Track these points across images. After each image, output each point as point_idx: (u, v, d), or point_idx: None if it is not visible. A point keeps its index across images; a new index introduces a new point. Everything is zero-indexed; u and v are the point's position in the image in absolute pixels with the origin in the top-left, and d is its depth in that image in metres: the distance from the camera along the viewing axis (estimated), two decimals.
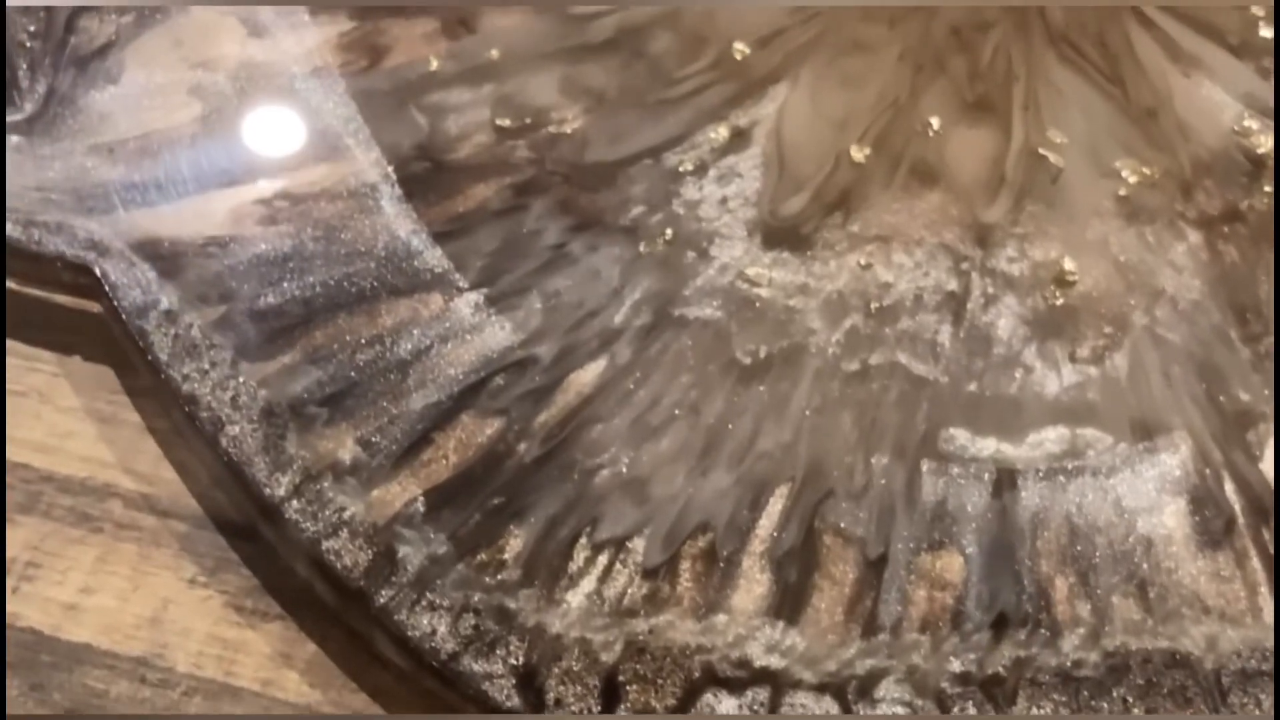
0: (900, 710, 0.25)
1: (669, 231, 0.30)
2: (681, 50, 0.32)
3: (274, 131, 0.30)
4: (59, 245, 0.29)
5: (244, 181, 0.30)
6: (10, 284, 0.29)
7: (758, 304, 0.29)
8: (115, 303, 0.28)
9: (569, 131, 0.31)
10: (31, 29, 0.31)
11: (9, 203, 0.29)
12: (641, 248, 0.30)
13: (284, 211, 0.29)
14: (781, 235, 0.30)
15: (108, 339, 0.29)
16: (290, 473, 0.27)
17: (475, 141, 0.31)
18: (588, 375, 0.29)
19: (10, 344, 0.29)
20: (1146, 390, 0.29)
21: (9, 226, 0.29)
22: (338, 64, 0.31)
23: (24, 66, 0.30)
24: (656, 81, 0.31)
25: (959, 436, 0.28)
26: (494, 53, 0.31)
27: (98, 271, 0.28)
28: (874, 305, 0.29)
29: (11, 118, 0.30)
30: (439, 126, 0.31)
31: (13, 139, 0.30)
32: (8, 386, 0.29)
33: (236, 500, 0.28)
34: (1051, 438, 0.28)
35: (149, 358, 0.28)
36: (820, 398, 0.29)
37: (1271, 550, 0.27)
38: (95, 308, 0.29)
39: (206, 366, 0.28)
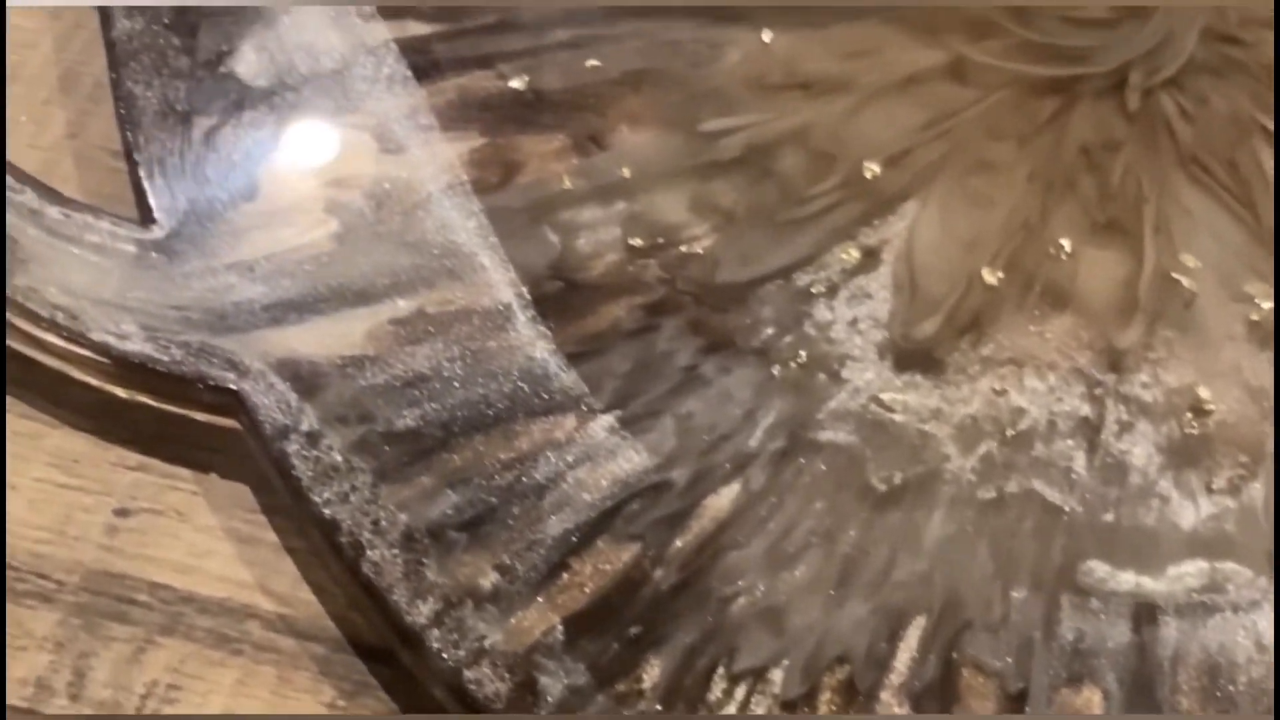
0: None
1: (802, 354, 0.30)
2: (810, 168, 0.32)
3: (409, 249, 0.31)
4: (199, 366, 0.29)
5: (380, 300, 0.30)
6: (148, 400, 0.30)
7: (891, 428, 0.29)
8: (256, 424, 0.29)
9: (699, 251, 0.31)
10: (169, 145, 0.31)
11: (149, 321, 0.29)
12: (775, 371, 0.30)
13: (420, 331, 0.30)
14: (913, 358, 0.30)
15: (245, 456, 0.29)
16: (431, 600, 0.27)
17: (606, 260, 0.31)
18: (722, 500, 0.29)
19: (148, 461, 0.30)
20: None
21: (149, 346, 0.29)
22: (470, 180, 0.31)
23: (162, 184, 0.31)
24: (786, 200, 0.32)
25: (1098, 569, 0.28)
26: (625, 171, 0.32)
27: (238, 392, 0.29)
28: (1008, 431, 0.29)
29: (150, 235, 0.30)
30: (571, 245, 0.31)
31: (152, 256, 0.30)
32: (148, 505, 0.29)
33: (375, 624, 0.28)
34: (1191, 571, 0.28)
35: (290, 480, 0.28)
36: (956, 526, 0.29)
37: None
38: (233, 423, 0.30)
39: (347, 490, 0.28)
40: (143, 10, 0.32)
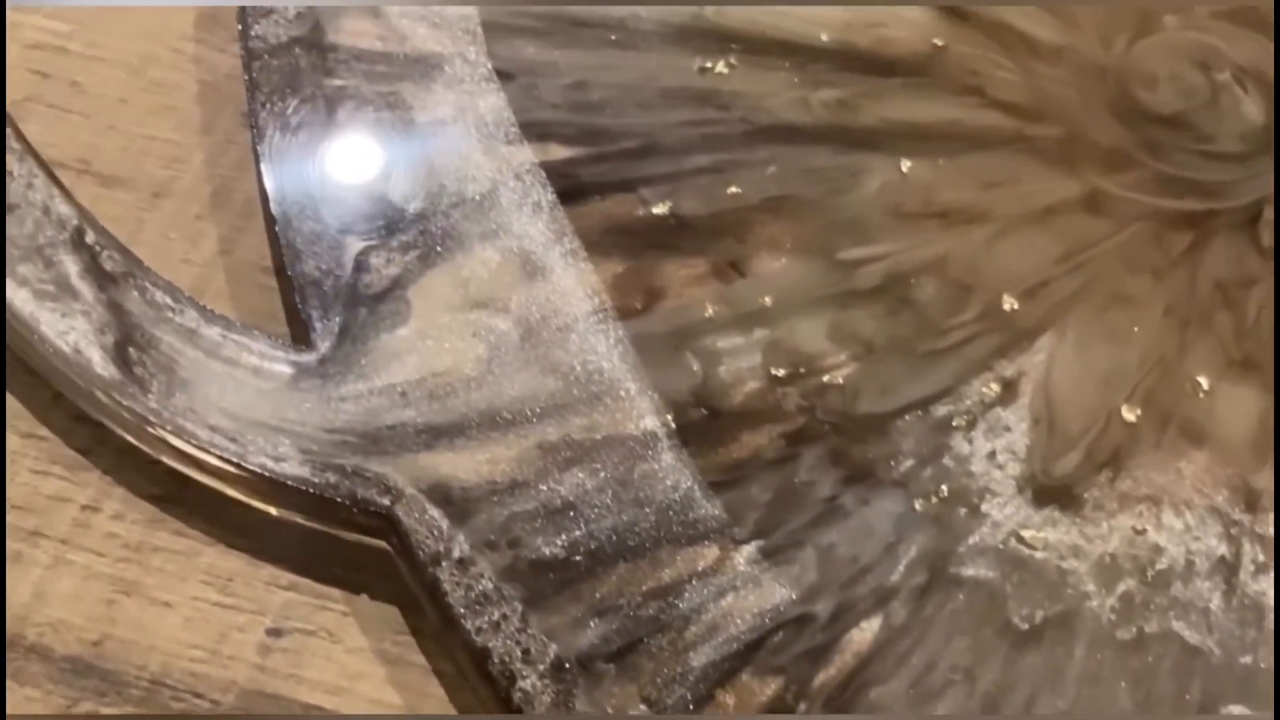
0: None
1: (944, 489, 0.30)
2: (948, 299, 0.32)
3: (555, 374, 0.31)
4: (354, 490, 0.30)
5: (528, 425, 0.31)
6: (300, 519, 0.30)
7: (1031, 565, 0.30)
8: (409, 549, 0.29)
9: (840, 381, 0.31)
10: (322, 267, 0.32)
11: (305, 443, 0.30)
12: (917, 505, 0.30)
13: (567, 458, 0.30)
14: (1052, 493, 0.30)
15: (395, 578, 0.30)
16: None
17: (747, 388, 0.31)
18: (864, 635, 0.29)
19: (300, 580, 0.30)
20: None
21: (305, 469, 0.30)
22: (614, 305, 0.32)
23: (317, 305, 0.32)
24: (924, 331, 0.32)
25: (1237, 712, 0.28)
26: (766, 299, 0.32)
27: (391, 516, 0.30)
28: (1148, 571, 0.30)
29: (305, 358, 0.31)
30: (712, 372, 0.32)
31: (307, 379, 0.31)
32: (300, 625, 0.30)
33: None
34: None
35: (442, 608, 0.29)
36: (1096, 666, 0.29)
37: None
38: (382, 544, 0.30)
39: (499, 618, 0.29)
40: (298, 131, 0.33)
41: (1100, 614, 0.29)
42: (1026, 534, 0.30)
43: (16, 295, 0.31)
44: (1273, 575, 0.30)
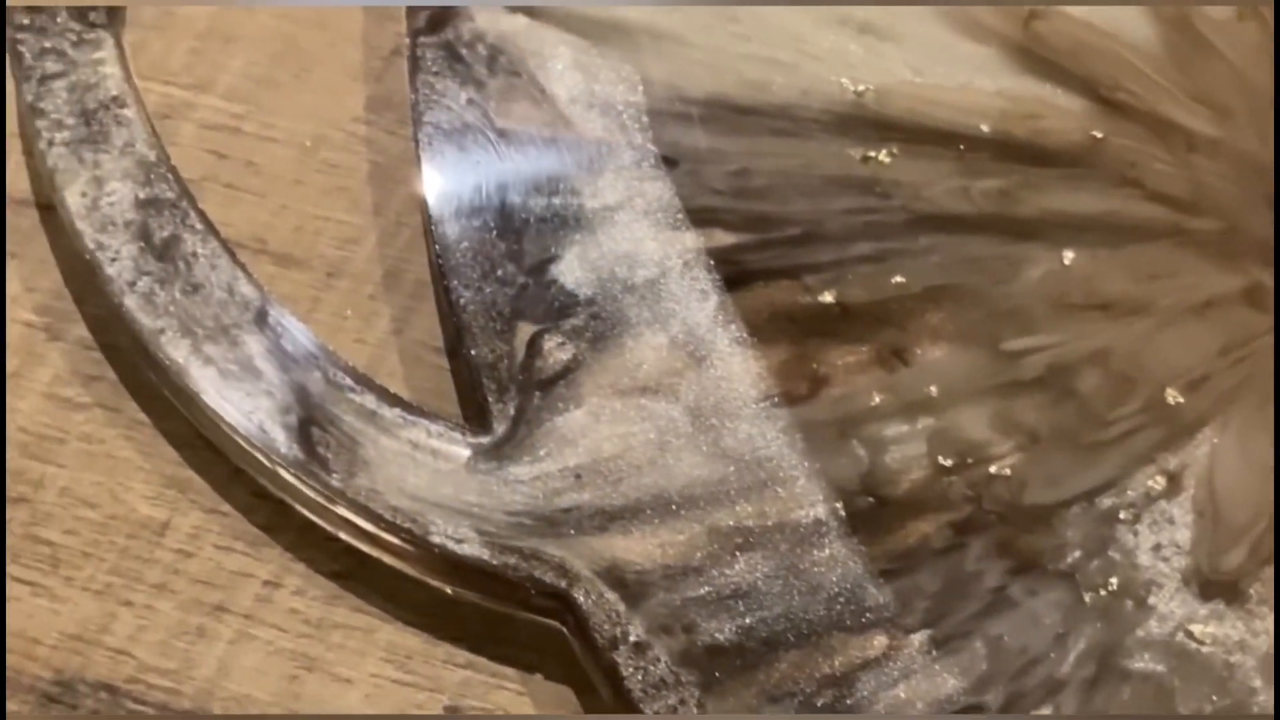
0: None
1: (1112, 581, 0.31)
2: (1111, 390, 0.33)
3: (724, 459, 0.32)
4: (531, 572, 0.30)
5: (698, 510, 0.31)
6: (478, 599, 0.31)
7: (1198, 659, 0.30)
8: (585, 632, 0.30)
9: (1007, 472, 0.32)
10: (496, 350, 0.33)
11: (483, 525, 0.31)
12: (1086, 597, 0.31)
13: (737, 543, 0.31)
14: (1217, 587, 0.31)
15: (569, 658, 0.30)
16: None
17: (913, 477, 0.32)
18: None
19: (476, 659, 0.31)
20: None
21: (485, 551, 0.30)
22: (780, 392, 0.33)
23: (492, 389, 0.32)
24: (1087, 422, 0.32)
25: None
26: (932, 388, 0.33)
27: (567, 598, 0.30)
28: None
29: (483, 440, 0.32)
30: (879, 460, 0.32)
31: (485, 461, 0.32)
32: (476, 703, 0.31)
33: None
34: None
35: (621, 692, 0.29)
36: None
37: None
38: (556, 624, 0.31)
39: (675, 703, 0.29)
40: (470, 216, 0.34)
41: (1268, 709, 0.30)
42: (1194, 628, 0.31)
43: (203, 374, 0.32)
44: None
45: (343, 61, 0.37)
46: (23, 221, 0.34)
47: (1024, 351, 0.33)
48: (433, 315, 0.34)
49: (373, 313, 0.34)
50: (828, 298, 0.34)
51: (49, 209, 0.34)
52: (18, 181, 0.35)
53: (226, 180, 0.35)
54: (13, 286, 0.34)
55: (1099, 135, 0.35)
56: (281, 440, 0.32)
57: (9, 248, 0.34)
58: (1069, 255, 0.34)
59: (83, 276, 0.33)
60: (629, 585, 0.31)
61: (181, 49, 0.36)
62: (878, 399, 0.33)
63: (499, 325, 0.33)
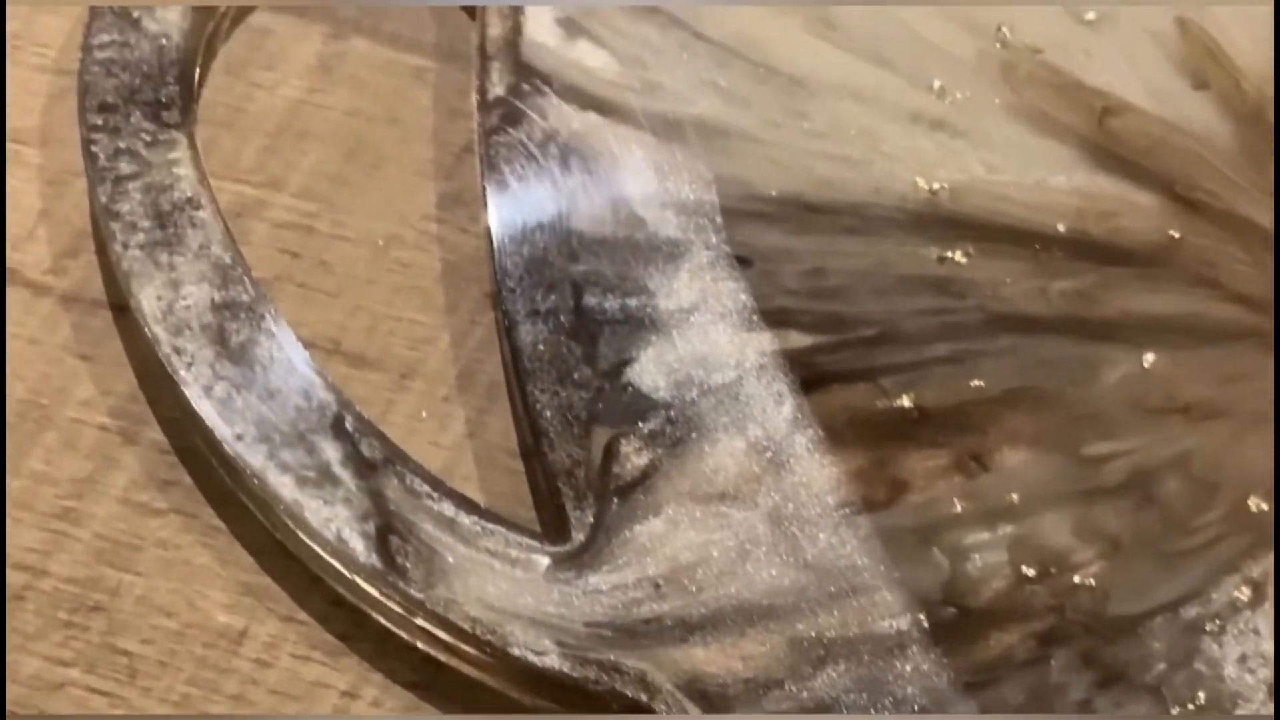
0: None
1: (1199, 695, 0.30)
2: (1193, 497, 0.32)
3: (804, 568, 0.32)
4: (612, 684, 0.30)
5: (779, 620, 0.31)
6: (557, 710, 0.31)
7: None
8: None
9: (1090, 582, 0.32)
10: (573, 455, 0.32)
11: (563, 636, 0.30)
12: (1174, 711, 0.30)
13: (819, 655, 0.31)
14: None
15: None
16: None
17: (996, 586, 0.32)
18: None
19: None
20: None
21: (565, 663, 0.30)
22: (860, 498, 0.32)
23: (570, 496, 0.32)
24: (1171, 530, 0.32)
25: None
26: (1013, 495, 0.32)
27: (649, 710, 0.30)
28: None
29: (562, 549, 0.32)
30: (961, 569, 0.32)
31: (564, 570, 0.31)
32: None
33: None
34: None
35: None
36: None
37: None
38: None
39: None
40: (545, 317, 0.34)
41: None
42: None
43: (280, 481, 0.32)
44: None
45: (414, 158, 0.37)
46: (96, 323, 0.34)
47: (1105, 457, 0.33)
48: (507, 417, 0.34)
49: (447, 415, 0.34)
50: (905, 401, 0.33)
51: (122, 309, 0.34)
52: (91, 282, 0.35)
53: (300, 280, 0.35)
54: (87, 389, 0.34)
55: (1176, 234, 0.35)
56: (360, 549, 0.31)
57: (83, 350, 0.34)
58: (1148, 357, 0.34)
59: (157, 378, 0.33)
60: (710, 698, 0.30)
61: (253, 146, 0.36)
62: (958, 506, 0.32)
63: (576, 430, 0.33)
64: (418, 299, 0.35)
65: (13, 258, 0.35)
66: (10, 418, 0.33)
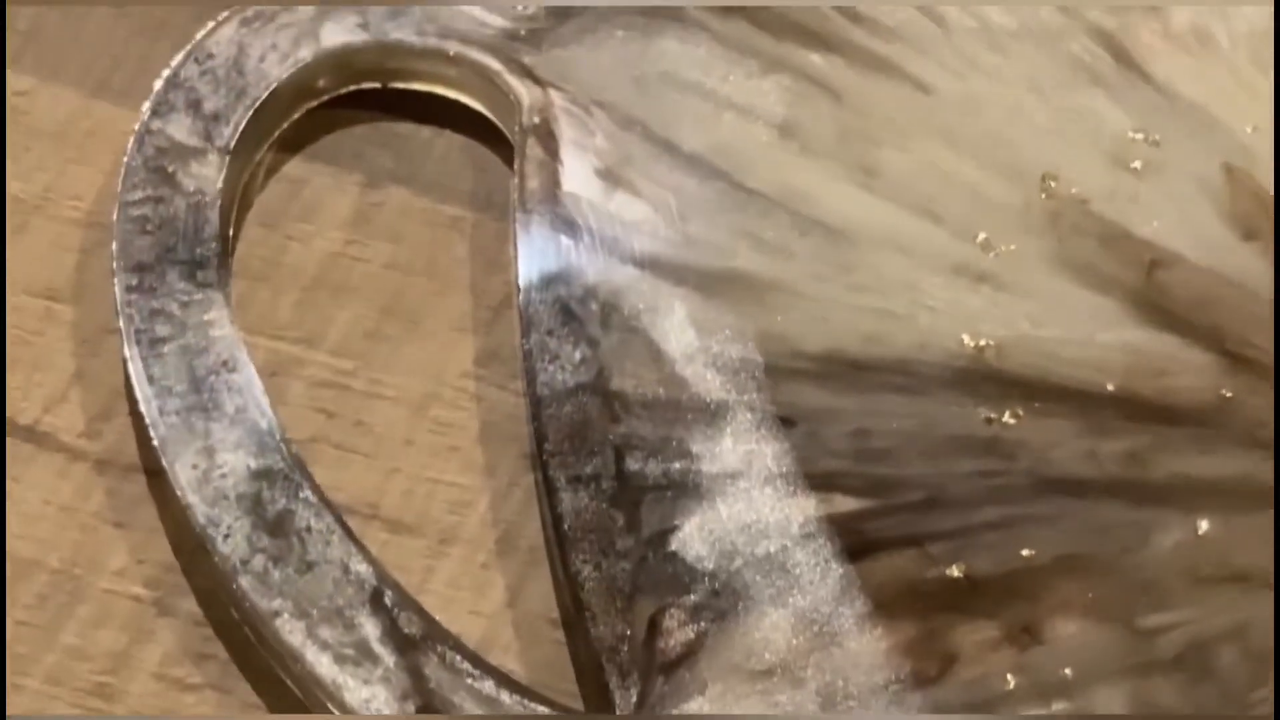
0: None
1: None
2: (1250, 671, 0.32)
3: None
4: None
5: None
6: None
7: None
8: None
9: None
10: (616, 629, 0.32)
11: None
12: None
13: None
14: None
15: None
16: None
17: None
18: None
19: None
20: None
21: None
22: (910, 672, 0.32)
23: (614, 673, 0.31)
24: (1228, 703, 0.31)
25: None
26: (1067, 670, 0.32)
27: None
28: None
29: None
30: None
31: None
32: None
33: None
34: None
35: None
36: None
37: None
38: None
39: None
40: (586, 483, 0.33)
41: None
42: None
43: (319, 660, 0.31)
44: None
45: (451, 313, 0.36)
46: (130, 488, 0.34)
47: (1159, 629, 0.32)
48: (548, 583, 0.33)
49: (486, 582, 0.34)
50: (955, 571, 0.33)
51: (156, 474, 0.34)
52: (126, 445, 0.34)
53: (336, 441, 0.35)
54: (121, 559, 0.33)
55: (1228, 394, 0.34)
56: None
57: (118, 517, 0.34)
58: (1202, 524, 0.33)
59: (193, 546, 0.33)
60: None
61: (288, 301, 0.36)
62: (1011, 682, 0.32)
63: (619, 603, 0.32)
64: (456, 460, 0.35)
65: (45, 420, 0.35)
66: (43, 589, 0.33)
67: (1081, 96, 0.38)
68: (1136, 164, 0.37)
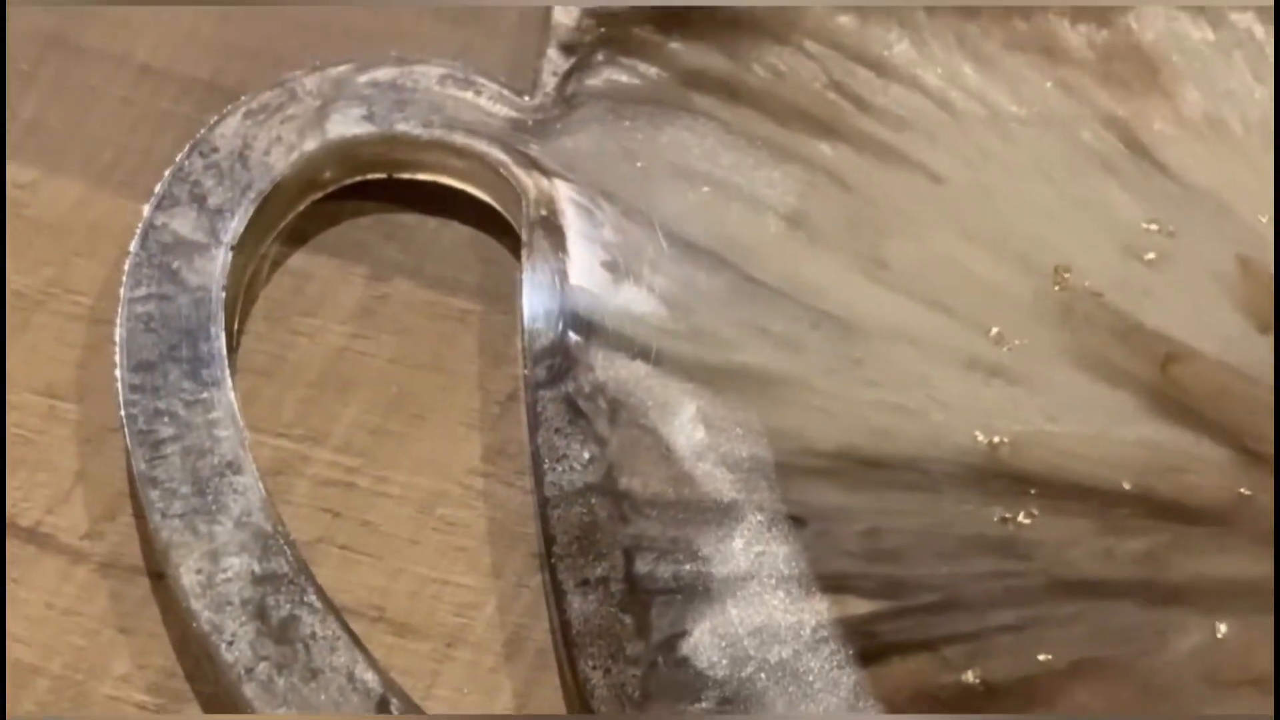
0: None
1: None
2: None
3: None
4: None
5: None
6: None
7: None
8: None
9: None
10: None
11: None
12: None
13: None
14: None
15: None
16: None
17: None
18: None
19: None
20: None
21: None
22: None
23: None
24: None
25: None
26: None
27: None
28: None
29: None
30: None
31: None
32: None
33: None
34: None
35: None
36: None
37: None
38: None
39: None
40: (595, 586, 0.33)
41: None
42: None
43: None
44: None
45: (458, 408, 0.36)
46: (134, 591, 0.33)
47: None
48: (556, 689, 0.33)
49: (494, 687, 0.33)
50: (970, 677, 0.32)
51: (159, 577, 0.33)
52: (129, 547, 0.34)
53: (342, 541, 0.34)
54: (124, 664, 0.33)
55: (1246, 492, 0.34)
56: None
57: (121, 621, 0.33)
58: (1221, 627, 0.33)
59: (197, 651, 0.33)
60: None
61: (293, 397, 0.36)
62: None
63: (629, 710, 0.32)
64: (463, 561, 0.34)
65: (48, 521, 0.34)
66: (46, 696, 0.32)
67: (1094, 185, 0.37)
68: (1150, 255, 0.36)
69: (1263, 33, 0.39)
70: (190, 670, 0.33)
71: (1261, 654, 0.32)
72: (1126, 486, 0.34)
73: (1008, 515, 0.34)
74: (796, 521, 0.34)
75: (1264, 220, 0.36)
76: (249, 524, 0.33)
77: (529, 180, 0.37)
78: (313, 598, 0.32)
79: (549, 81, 0.38)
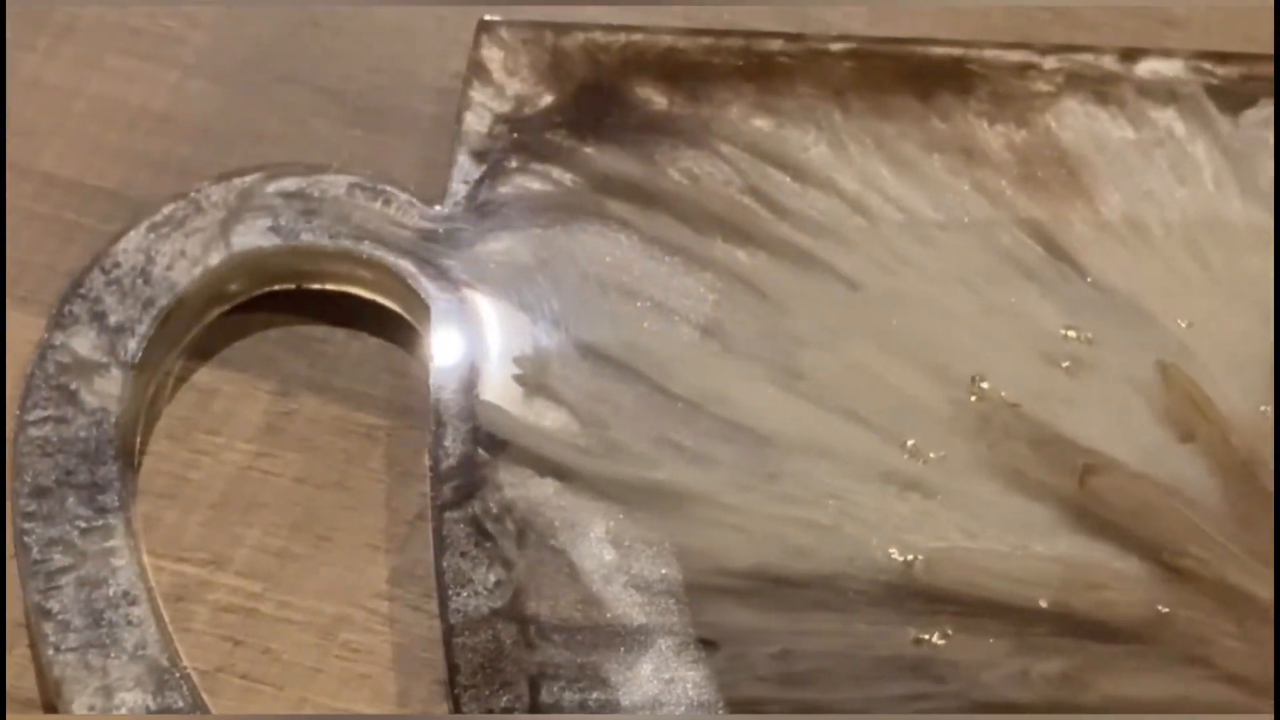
0: None
1: None
2: None
3: None
4: None
5: None
6: None
7: None
8: None
9: None
10: None
11: None
12: None
13: None
14: None
15: None
16: None
17: None
18: None
19: None
20: None
21: None
22: None
23: None
24: None
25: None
26: None
27: None
28: None
29: None
30: None
31: None
32: None
33: None
34: None
35: None
36: None
37: None
38: None
39: None
40: (501, 714, 0.32)
41: None
42: None
43: None
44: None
45: (365, 528, 0.35)
46: None
47: None
48: None
49: None
50: None
51: (55, 710, 0.33)
52: (23, 680, 0.33)
53: (243, 670, 0.33)
54: None
55: (1165, 609, 0.33)
56: None
57: None
58: None
59: None
60: None
61: (196, 520, 0.35)
62: None
63: None
64: (367, 689, 0.33)
65: None
66: None
67: (1012, 291, 0.37)
68: (1068, 363, 0.36)
69: (1183, 130, 0.38)
70: None
71: None
72: (1043, 604, 0.33)
73: (923, 635, 0.33)
74: (708, 645, 0.33)
75: (1183, 325, 0.36)
76: (144, 657, 0.32)
77: (438, 291, 0.36)
78: None
79: (459, 190, 0.37)
